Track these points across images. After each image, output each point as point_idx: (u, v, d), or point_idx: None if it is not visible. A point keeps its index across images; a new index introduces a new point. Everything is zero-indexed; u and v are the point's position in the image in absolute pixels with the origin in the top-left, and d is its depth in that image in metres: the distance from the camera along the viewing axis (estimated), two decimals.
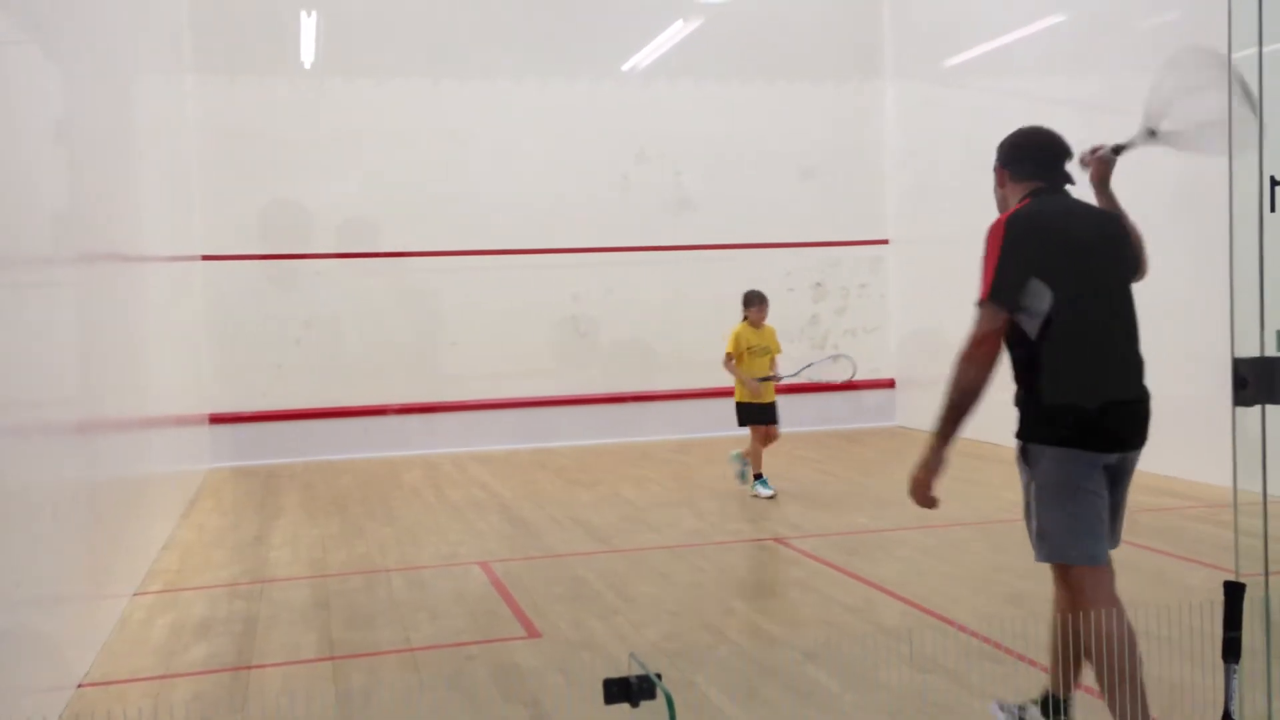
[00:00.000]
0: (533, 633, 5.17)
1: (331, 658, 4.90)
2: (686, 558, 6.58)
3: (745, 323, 8.65)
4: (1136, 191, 9.76)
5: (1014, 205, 3.56)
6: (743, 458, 8.63)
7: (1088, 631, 3.38)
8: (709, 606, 5.55)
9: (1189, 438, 7.97)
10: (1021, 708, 3.79)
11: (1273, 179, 2.63)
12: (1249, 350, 2.63)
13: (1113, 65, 9.39)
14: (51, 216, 4.91)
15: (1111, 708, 3.39)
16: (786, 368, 9.16)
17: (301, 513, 8.41)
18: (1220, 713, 2.97)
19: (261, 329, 11.06)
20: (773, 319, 12.28)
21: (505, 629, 5.27)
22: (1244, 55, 2.78)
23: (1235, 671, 2.83)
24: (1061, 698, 3.70)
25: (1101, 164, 3.81)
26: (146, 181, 7.75)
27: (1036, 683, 4.29)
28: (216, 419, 10.85)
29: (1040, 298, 3.29)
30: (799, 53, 12.28)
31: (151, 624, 5.53)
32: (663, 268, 11.99)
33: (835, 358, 8.52)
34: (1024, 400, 3.40)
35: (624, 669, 2.57)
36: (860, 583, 5.92)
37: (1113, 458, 3.34)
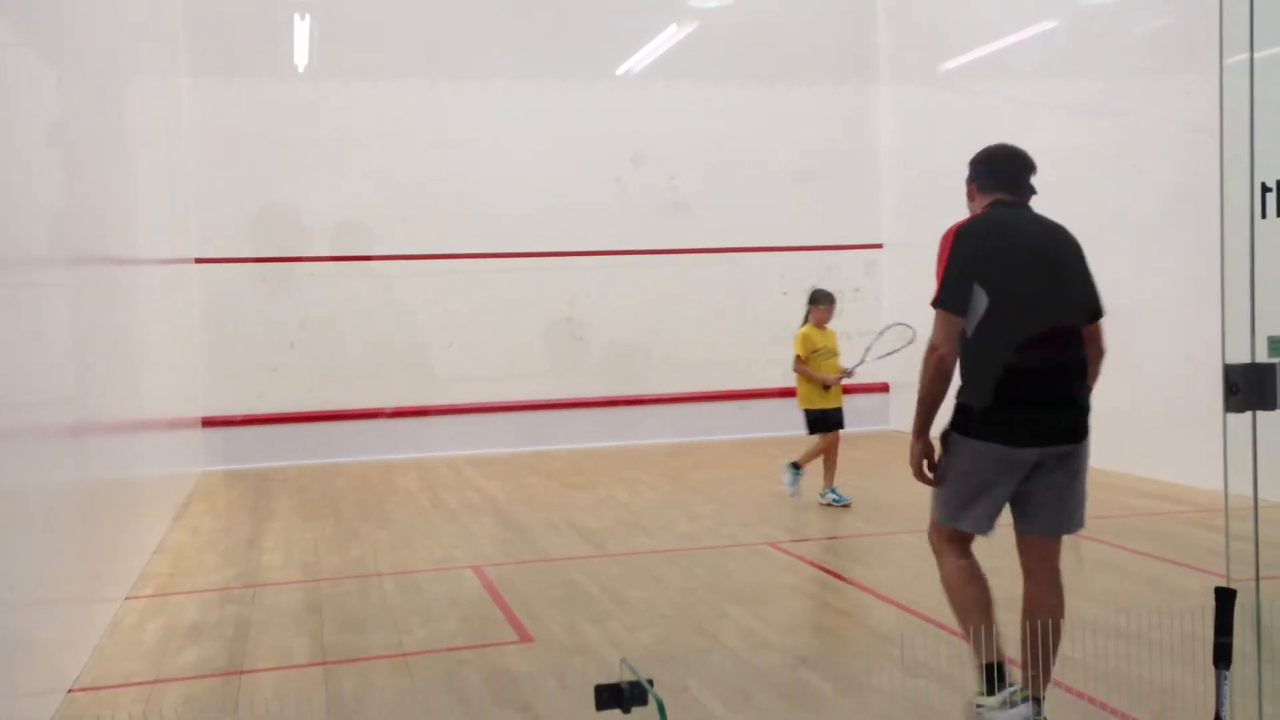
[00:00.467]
0: (525, 637, 5.17)
1: (323, 662, 4.89)
2: (680, 562, 6.58)
3: (810, 324, 8.26)
4: (1131, 199, 9.87)
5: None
6: (796, 467, 8.23)
7: (943, 581, 3.88)
8: (702, 611, 5.54)
9: (1182, 443, 8.00)
10: (976, 703, 3.90)
11: (1264, 186, 2.64)
12: (1240, 356, 2.64)
13: (1107, 69, 9.41)
14: (46, 218, 4.91)
15: (971, 644, 3.81)
16: (779, 375, 9.15)
17: (295, 516, 8.40)
18: (1211, 717, 2.97)
19: (256, 331, 11.04)
20: (768, 322, 12.34)
21: (498, 633, 5.27)
22: (1236, 60, 2.78)
23: (1226, 677, 2.83)
24: (992, 663, 3.76)
25: None
26: (141, 184, 7.74)
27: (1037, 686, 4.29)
28: (210, 421, 10.83)
29: (979, 302, 3.58)
30: (794, 56, 12.29)
31: (143, 628, 5.51)
32: (658, 271, 11.99)
33: (889, 327, 7.82)
34: (958, 391, 3.72)
35: (616, 674, 2.57)
36: (854, 587, 5.92)
37: (1031, 453, 3.62)
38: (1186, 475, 8.07)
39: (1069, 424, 3.67)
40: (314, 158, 11.15)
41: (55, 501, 4.78)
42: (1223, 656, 2.82)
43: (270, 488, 9.71)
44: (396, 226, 11.28)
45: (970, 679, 4.09)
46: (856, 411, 12.26)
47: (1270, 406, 2.61)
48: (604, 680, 2.46)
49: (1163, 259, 8.60)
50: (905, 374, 12.46)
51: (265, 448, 10.92)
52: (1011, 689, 3.74)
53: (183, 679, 4.75)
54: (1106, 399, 8.95)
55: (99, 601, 5.54)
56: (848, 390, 12.44)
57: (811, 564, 6.41)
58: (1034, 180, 3.87)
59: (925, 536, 4.09)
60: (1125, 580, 6.12)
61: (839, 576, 6.12)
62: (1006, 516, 3.93)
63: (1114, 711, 4.08)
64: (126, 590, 6.17)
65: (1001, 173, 3.85)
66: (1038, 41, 10.15)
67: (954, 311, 3.61)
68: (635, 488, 9.18)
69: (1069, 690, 4.24)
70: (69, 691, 4.61)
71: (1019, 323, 3.61)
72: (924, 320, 3.99)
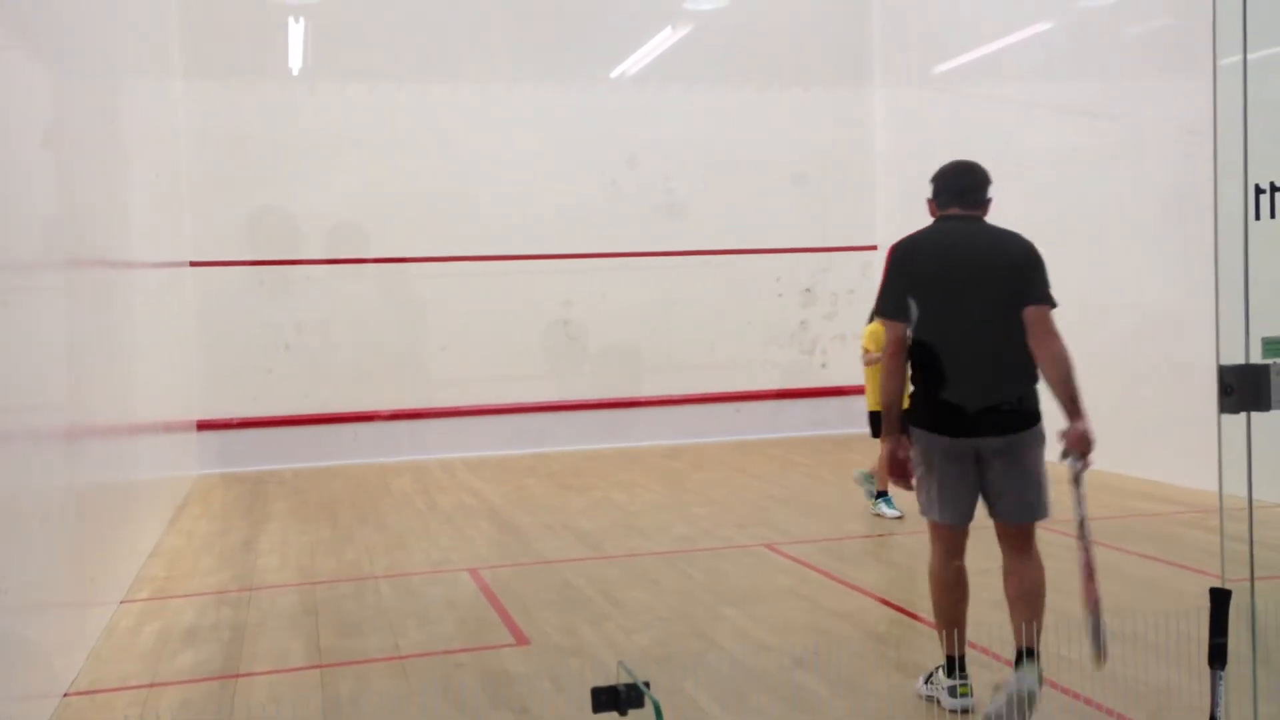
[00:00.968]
0: (522, 640, 5.17)
1: (319, 665, 4.89)
2: (677, 563, 6.58)
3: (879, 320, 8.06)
4: (1126, 200, 9.89)
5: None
6: (870, 476, 7.93)
7: (931, 576, 4.18)
8: (699, 612, 5.54)
9: (1177, 443, 8.01)
10: (935, 670, 4.25)
11: (1257, 187, 2.64)
12: (1234, 358, 2.64)
13: (1102, 71, 9.43)
14: (39, 222, 4.90)
15: (939, 634, 4.17)
16: (775, 376, 9.13)
17: (290, 519, 8.39)
18: (1206, 718, 2.98)
19: (251, 334, 11.03)
20: (764, 324, 12.35)
21: (494, 636, 5.27)
22: (1229, 62, 2.79)
23: (1221, 677, 2.84)
24: (955, 656, 4.10)
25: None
26: (135, 187, 7.73)
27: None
28: (205, 424, 10.81)
29: (915, 307, 4.00)
30: (789, 59, 12.30)
31: (139, 631, 5.50)
32: (653, 273, 11.99)
33: None
34: (911, 389, 4.13)
35: (613, 676, 2.57)
36: (850, 589, 5.93)
37: (968, 443, 3.97)
38: (1181, 476, 8.09)
39: (1003, 415, 3.98)
40: (309, 161, 11.14)
41: (50, 505, 4.78)
42: (1218, 657, 2.83)
43: (266, 491, 9.70)
44: (392, 229, 11.27)
45: (975, 680, 4.11)
46: (851, 414, 12.33)
47: (1264, 407, 2.62)
48: (601, 683, 2.46)
49: (1157, 260, 8.62)
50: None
51: (261, 451, 10.91)
52: (963, 682, 4.09)
53: (179, 682, 4.75)
54: (1101, 400, 8.96)
55: (94, 605, 5.53)
56: (839, 393, 12.53)
57: (808, 566, 6.42)
58: (990, 191, 4.15)
59: (920, 538, 4.34)
60: (1121, 581, 6.12)
61: (835, 578, 6.13)
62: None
63: (1109, 712, 4.09)
64: (122, 594, 6.16)
65: (952, 189, 4.15)
66: (1032, 44, 10.17)
67: (892, 319, 4.03)
68: (632, 490, 9.18)
69: (1065, 691, 4.25)
70: (65, 695, 4.61)
71: (949, 326, 3.99)
72: None
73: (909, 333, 4.02)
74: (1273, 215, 2.64)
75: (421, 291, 11.48)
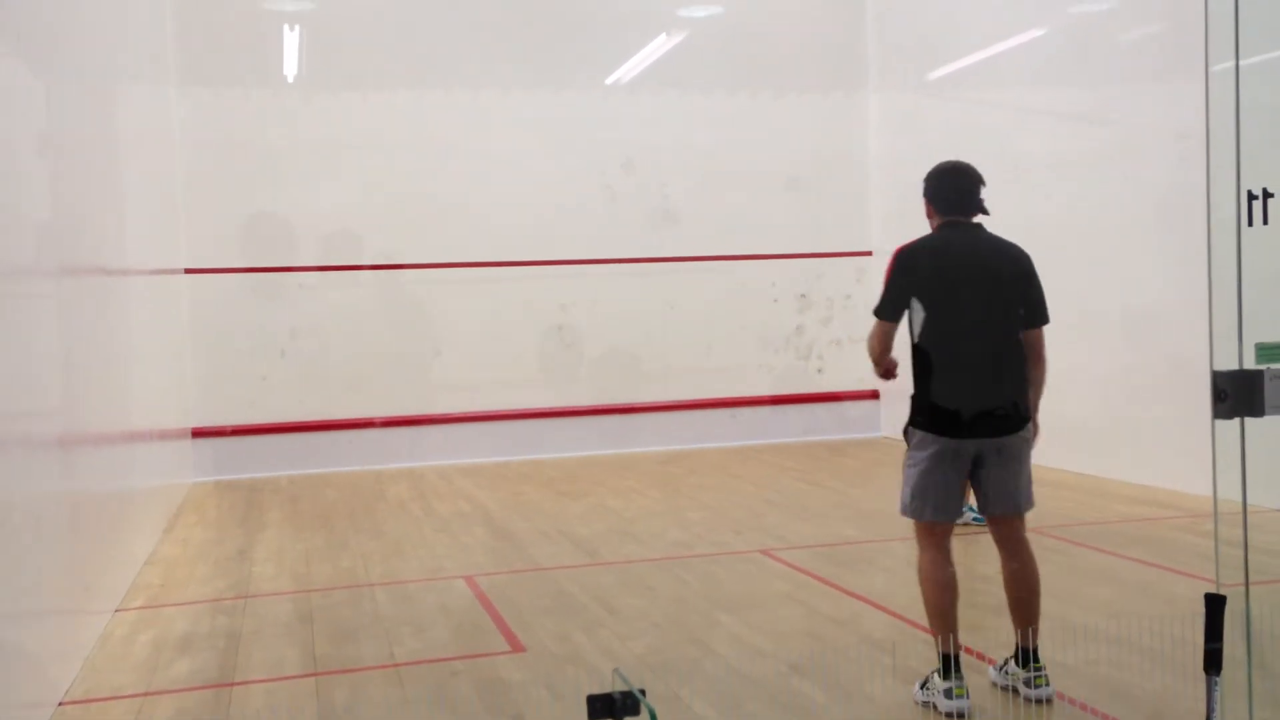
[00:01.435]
0: (517, 647, 5.16)
1: (315, 673, 4.88)
2: (672, 570, 6.58)
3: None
4: (1119, 205, 9.90)
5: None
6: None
7: (918, 571, 4.30)
8: (694, 619, 5.54)
9: (1171, 448, 8.02)
10: (930, 674, 4.27)
11: (1249, 193, 2.65)
12: (1228, 363, 2.65)
13: (1095, 77, 9.46)
14: (33, 229, 4.89)
15: (933, 633, 4.26)
16: (771, 382, 9.11)
17: (286, 526, 8.38)
18: None
19: (246, 341, 11.01)
20: (758, 330, 12.35)
21: (490, 643, 5.26)
22: (1222, 68, 2.80)
23: (1217, 683, 2.84)
24: (950, 654, 4.17)
25: None
26: (130, 194, 7.72)
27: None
28: (200, 432, 10.80)
29: (919, 313, 4.19)
30: (783, 65, 12.32)
31: (134, 640, 5.49)
32: (648, 279, 11.99)
33: None
34: (912, 391, 4.28)
35: (609, 684, 2.56)
36: (846, 595, 5.93)
37: (970, 444, 4.15)
38: (1176, 481, 8.10)
39: (1002, 418, 4.18)
40: (303, 168, 11.14)
41: (44, 513, 4.76)
42: (1213, 662, 2.83)
43: (261, 498, 9.69)
44: (386, 235, 11.27)
45: (972, 686, 4.11)
46: (846, 420, 12.35)
47: (1258, 413, 2.63)
48: (596, 690, 2.46)
49: (1151, 265, 8.64)
50: (898, 381, 12.51)
51: (256, 458, 10.89)
52: (958, 684, 4.13)
53: (174, 691, 4.74)
54: (1096, 405, 8.98)
55: (89, 613, 5.52)
56: (833, 398, 12.53)
57: (804, 571, 6.41)
58: (985, 193, 4.33)
59: (914, 544, 4.38)
60: (1116, 586, 6.13)
61: (831, 584, 6.13)
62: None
63: (1105, 717, 4.09)
64: (117, 602, 6.14)
65: (951, 195, 4.31)
66: (1026, 50, 10.19)
67: (887, 319, 4.28)
68: (627, 496, 9.18)
69: (1061, 696, 4.25)
70: (59, 704, 4.59)
71: (953, 331, 4.16)
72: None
73: (915, 337, 4.24)
74: (1265, 221, 2.65)
75: (417, 297, 11.47)
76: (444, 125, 11.46)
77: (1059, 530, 7.20)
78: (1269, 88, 2.95)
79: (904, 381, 4.43)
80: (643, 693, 2.34)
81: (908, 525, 4.42)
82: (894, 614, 5.45)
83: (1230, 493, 2.75)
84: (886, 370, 4.35)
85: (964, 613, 5.39)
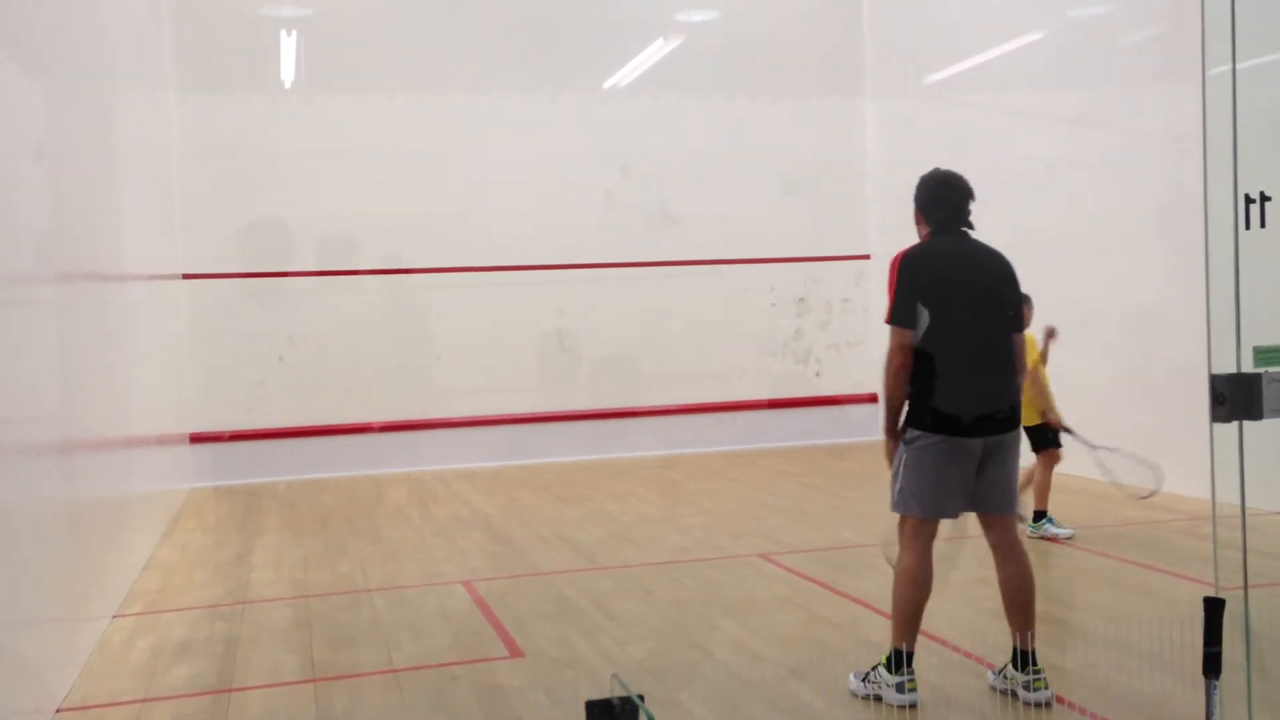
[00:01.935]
0: (516, 652, 5.15)
1: (313, 679, 4.87)
2: (671, 574, 6.57)
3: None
4: (1116, 209, 9.89)
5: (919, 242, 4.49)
6: (1041, 514, 7.20)
7: (898, 568, 4.35)
8: (694, 624, 5.53)
9: (1170, 452, 8.01)
10: (873, 669, 4.37)
11: (1247, 196, 2.65)
12: (1226, 367, 2.65)
13: (1092, 80, 9.47)
14: (32, 235, 4.89)
15: (894, 627, 4.33)
16: (769, 386, 9.08)
17: (284, 532, 8.37)
18: None
19: (244, 347, 11.01)
20: (757, 334, 12.36)
21: (489, 649, 5.25)
22: (1219, 71, 2.80)
23: (1216, 686, 2.84)
24: (905, 650, 4.26)
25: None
26: (128, 199, 7.72)
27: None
28: (199, 437, 10.79)
29: (922, 318, 4.23)
30: (781, 70, 12.33)
31: (132, 646, 5.48)
32: (646, 283, 11.99)
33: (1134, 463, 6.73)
34: (911, 394, 4.32)
35: (608, 689, 2.56)
36: (845, 598, 5.92)
37: (976, 443, 4.21)
38: (1174, 484, 8.08)
39: (1003, 416, 4.27)
40: (301, 173, 11.14)
41: (42, 519, 4.76)
42: (1212, 666, 2.82)
43: (259, 503, 9.68)
44: (384, 241, 11.27)
45: (971, 690, 4.11)
46: (844, 423, 12.35)
47: (1256, 416, 2.62)
48: (595, 695, 2.45)
49: (1149, 268, 8.64)
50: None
51: (254, 463, 10.88)
52: (910, 678, 4.24)
53: (172, 697, 4.73)
54: (1094, 408, 8.95)
55: (87, 619, 5.51)
56: (834, 401, 12.52)
57: (802, 576, 6.41)
58: (981, 198, 4.46)
59: (900, 540, 4.43)
60: (1115, 590, 6.13)
61: (830, 588, 6.12)
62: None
63: None
64: (115, 608, 6.13)
65: (942, 208, 4.41)
66: (1023, 53, 10.20)
67: (905, 326, 4.24)
68: (626, 500, 9.17)
69: (1060, 700, 4.24)
70: (57, 711, 4.58)
71: (954, 333, 4.24)
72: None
73: (917, 341, 4.25)
74: (1263, 224, 2.65)
75: (414, 303, 11.47)
76: (442, 130, 11.47)
77: (1058, 534, 7.19)
78: (1265, 91, 2.95)
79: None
80: (641, 698, 2.34)
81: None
82: (891, 618, 5.43)
83: (1229, 496, 2.75)
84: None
85: (963, 616, 5.40)
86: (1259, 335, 2.66)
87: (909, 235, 4.58)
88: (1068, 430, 7.03)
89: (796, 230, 12.36)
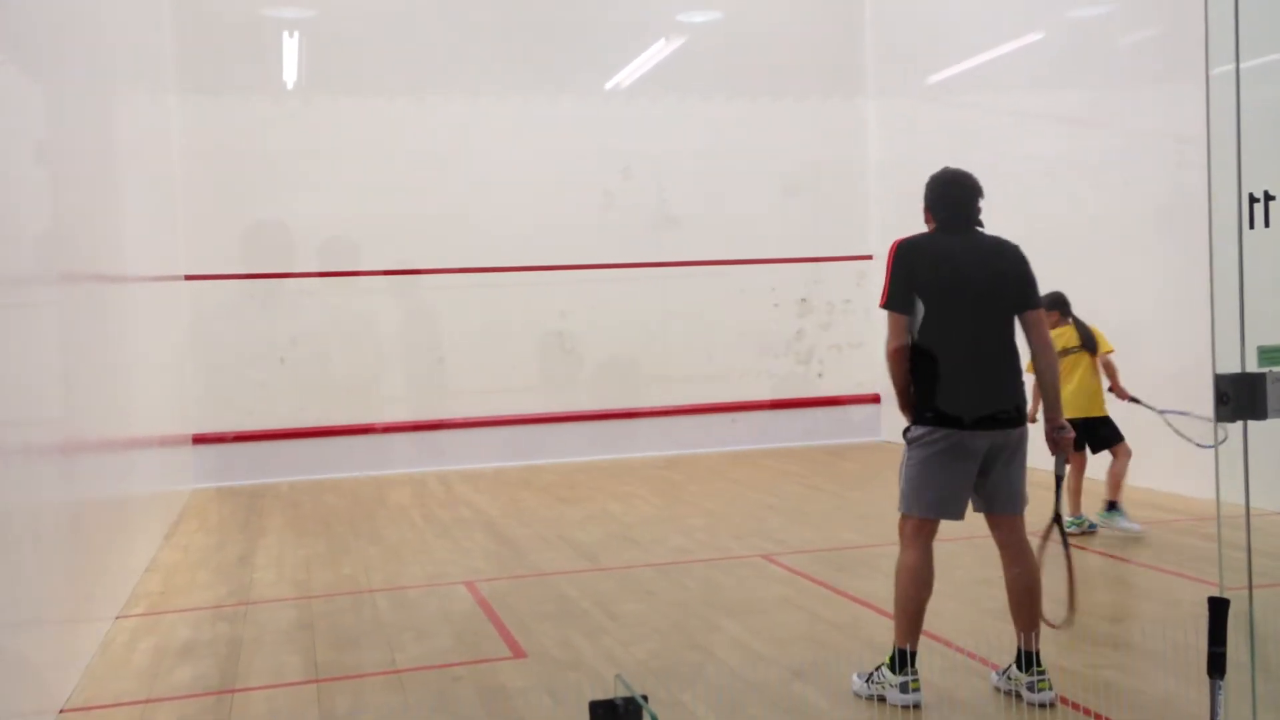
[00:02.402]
0: (519, 653, 5.15)
1: (316, 680, 4.87)
2: (673, 575, 6.57)
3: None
4: (1119, 209, 9.88)
5: None
6: (1113, 505, 7.18)
7: (899, 567, 4.33)
8: (696, 624, 5.53)
9: (1174, 451, 8.00)
10: (876, 669, 4.38)
11: (1251, 196, 2.65)
12: (1230, 366, 2.64)
13: (1093, 81, 9.46)
14: (33, 236, 4.89)
15: (896, 627, 4.32)
16: (771, 387, 9.05)
17: (286, 533, 8.37)
18: None
19: (246, 348, 11.01)
20: (758, 334, 12.36)
21: (491, 649, 5.25)
22: (1222, 70, 2.79)
23: (1221, 687, 2.83)
24: (909, 650, 4.26)
25: None
26: (129, 201, 7.72)
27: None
28: (201, 439, 10.79)
29: (918, 310, 4.22)
30: (782, 70, 12.33)
31: (134, 647, 5.48)
32: (648, 284, 11.99)
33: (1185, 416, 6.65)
34: (912, 391, 4.30)
35: (611, 689, 2.56)
36: (847, 599, 5.92)
37: (981, 438, 4.17)
38: (1178, 484, 8.09)
39: (1007, 411, 4.23)
40: (303, 174, 11.14)
41: (45, 521, 4.76)
42: (1217, 666, 2.82)
43: (262, 504, 9.68)
44: (386, 242, 11.27)
45: (975, 691, 4.10)
46: (846, 424, 12.34)
47: (1260, 416, 2.62)
48: (598, 696, 2.45)
49: (1152, 269, 8.63)
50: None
51: (256, 464, 10.88)
52: (913, 678, 4.24)
53: (175, 698, 4.73)
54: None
55: (90, 621, 5.51)
56: (834, 402, 12.52)
57: (804, 576, 6.41)
58: (983, 199, 4.40)
59: (902, 538, 4.40)
60: (1119, 590, 6.13)
61: (832, 589, 6.12)
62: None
63: None
64: (118, 609, 6.13)
65: (951, 207, 4.37)
66: (1024, 54, 10.20)
67: (899, 311, 4.23)
68: (628, 501, 9.17)
69: (1063, 700, 4.24)
70: (60, 712, 4.58)
71: (954, 327, 4.21)
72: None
73: (915, 335, 4.24)
74: (1267, 223, 2.65)
75: (416, 304, 11.47)
76: (443, 131, 11.47)
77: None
78: (1270, 90, 2.94)
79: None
80: (645, 699, 2.33)
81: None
82: (893, 619, 5.43)
83: (1233, 496, 2.74)
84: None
85: (967, 617, 5.40)
86: (1263, 335, 2.65)
87: (910, 234, 4.57)
88: (1135, 400, 7.00)
89: (798, 231, 12.36)
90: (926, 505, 4.27)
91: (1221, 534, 2.84)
